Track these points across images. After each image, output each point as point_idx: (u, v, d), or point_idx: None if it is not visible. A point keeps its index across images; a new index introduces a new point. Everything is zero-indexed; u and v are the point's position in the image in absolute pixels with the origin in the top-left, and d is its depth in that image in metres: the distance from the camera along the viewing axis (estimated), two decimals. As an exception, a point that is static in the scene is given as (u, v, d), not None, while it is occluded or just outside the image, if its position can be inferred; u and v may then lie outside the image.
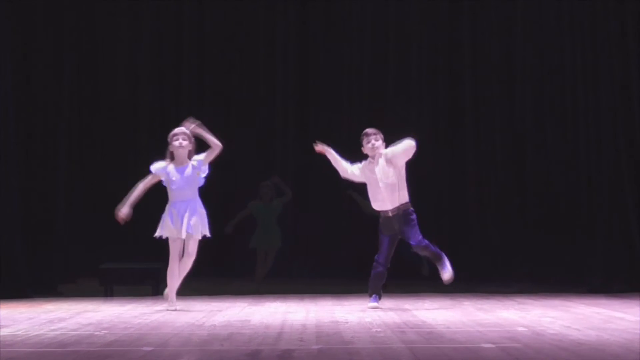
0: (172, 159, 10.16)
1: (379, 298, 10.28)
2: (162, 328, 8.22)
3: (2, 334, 7.84)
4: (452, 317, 9.03)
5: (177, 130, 10.17)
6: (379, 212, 10.35)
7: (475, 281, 13.23)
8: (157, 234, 10.15)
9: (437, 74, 15.13)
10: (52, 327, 8.33)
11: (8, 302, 11.25)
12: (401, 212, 10.18)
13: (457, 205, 14.89)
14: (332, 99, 15.33)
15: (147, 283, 12.69)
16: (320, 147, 10.65)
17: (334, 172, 15.01)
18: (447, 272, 10.13)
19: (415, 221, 10.19)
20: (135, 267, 12.85)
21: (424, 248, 10.17)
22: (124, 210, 10.13)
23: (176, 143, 10.08)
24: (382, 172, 10.26)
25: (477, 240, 14.57)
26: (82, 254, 14.18)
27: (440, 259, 10.18)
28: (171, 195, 10.17)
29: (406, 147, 10.21)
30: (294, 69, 15.45)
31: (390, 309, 9.94)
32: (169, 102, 15.22)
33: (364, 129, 15.21)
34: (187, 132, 10.15)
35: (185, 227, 9.99)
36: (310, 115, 15.46)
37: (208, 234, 10.16)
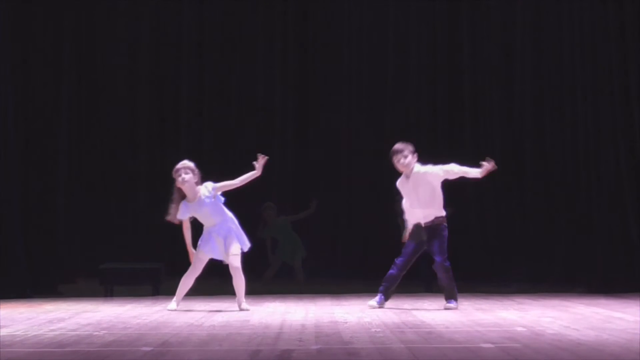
0: (182, 195, 10.12)
1: (384, 300, 10.25)
2: (161, 328, 8.23)
3: (1, 334, 7.84)
4: (451, 317, 9.03)
5: (178, 165, 10.11)
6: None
7: (474, 281, 13.22)
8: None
9: (437, 74, 15.13)
10: (52, 327, 8.34)
11: (8, 302, 11.25)
12: (434, 225, 10.18)
13: (456, 205, 14.86)
14: (331, 99, 15.33)
15: (147, 283, 12.68)
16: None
17: (333, 174, 15.11)
18: (453, 305, 10.01)
19: (446, 238, 10.16)
20: (135, 267, 12.83)
21: (446, 270, 10.07)
22: (192, 253, 10.12)
23: (179, 179, 10.05)
24: (414, 189, 10.22)
25: (476, 240, 14.57)
26: (82, 254, 14.19)
27: (452, 289, 10.10)
28: (204, 224, 10.19)
29: (448, 169, 10.18)
30: (293, 69, 15.45)
31: (390, 309, 9.93)
32: (169, 103, 15.24)
33: (364, 129, 15.23)
34: (190, 164, 10.12)
35: (224, 251, 10.04)
36: (309, 116, 15.47)
37: (246, 246, 10.19)
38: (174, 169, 10.10)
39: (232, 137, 15.17)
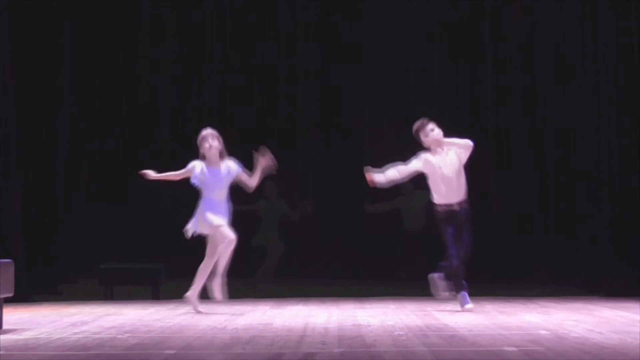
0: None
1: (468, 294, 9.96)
2: (184, 331, 8.24)
3: (25, 337, 7.88)
4: (475, 320, 9.00)
5: (204, 132, 10.18)
6: (441, 205, 9.98)
7: (498, 284, 13.20)
8: (193, 230, 10.09)
9: (459, 75, 15.13)
10: (75, 331, 8.37)
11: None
12: (466, 208, 9.97)
13: (478, 208, 14.82)
14: (353, 101, 15.36)
15: (147, 283, 12.61)
16: (370, 177, 10.17)
17: (355, 175, 15.07)
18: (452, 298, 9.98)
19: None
20: (135, 267, 12.78)
21: (466, 261, 9.96)
22: (151, 173, 10.19)
23: (206, 145, 10.09)
24: (449, 162, 9.92)
25: (499, 243, 14.54)
26: (82, 254, 14.23)
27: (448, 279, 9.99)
28: (206, 194, 10.10)
29: (466, 144, 9.89)
30: (315, 71, 15.49)
31: (413, 312, 9.91)
32: (187, 103, 15.33)
33: (385, 131, 15.15)
34: (215, 132, 10.17)
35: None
36: (331, 118, 15.50)
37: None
38: (201, 136, 10.10)
39: (252, 140, 15.20)
